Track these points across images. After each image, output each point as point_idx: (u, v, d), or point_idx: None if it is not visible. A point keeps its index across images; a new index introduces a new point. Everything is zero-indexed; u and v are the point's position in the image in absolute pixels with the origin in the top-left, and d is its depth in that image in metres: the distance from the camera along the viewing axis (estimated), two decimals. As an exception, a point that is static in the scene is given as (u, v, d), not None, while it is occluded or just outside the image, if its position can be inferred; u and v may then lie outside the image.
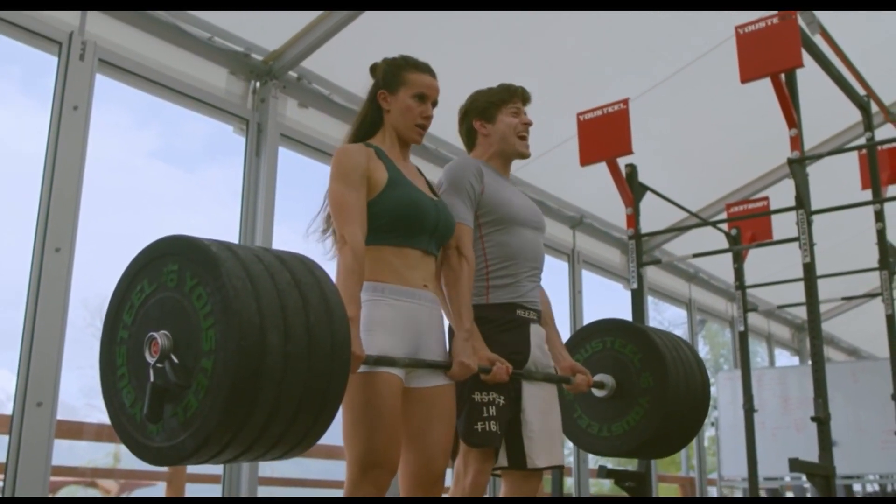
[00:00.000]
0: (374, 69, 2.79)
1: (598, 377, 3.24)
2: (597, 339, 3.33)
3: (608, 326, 3.33)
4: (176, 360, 1.87)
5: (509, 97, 3.08)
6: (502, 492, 2.97)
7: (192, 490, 5.65)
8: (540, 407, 2.89)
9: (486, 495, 5.26)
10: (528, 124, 3.08)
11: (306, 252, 2.16)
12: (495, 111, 3.07)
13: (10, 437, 3.52)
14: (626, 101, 4.76)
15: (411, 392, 2.60)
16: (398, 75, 2.73)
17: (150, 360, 1.90)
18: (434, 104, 2.78)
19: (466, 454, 2.82)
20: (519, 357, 2.84)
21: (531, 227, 3.03)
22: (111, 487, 6.09)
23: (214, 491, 4.74)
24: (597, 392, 3.22)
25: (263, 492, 4.53)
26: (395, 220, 2.60)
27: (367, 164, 2.60)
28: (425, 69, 2.78)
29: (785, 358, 11.33)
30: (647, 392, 3.16)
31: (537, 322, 2.98)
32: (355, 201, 2.54)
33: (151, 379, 1.89)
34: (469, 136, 3.14)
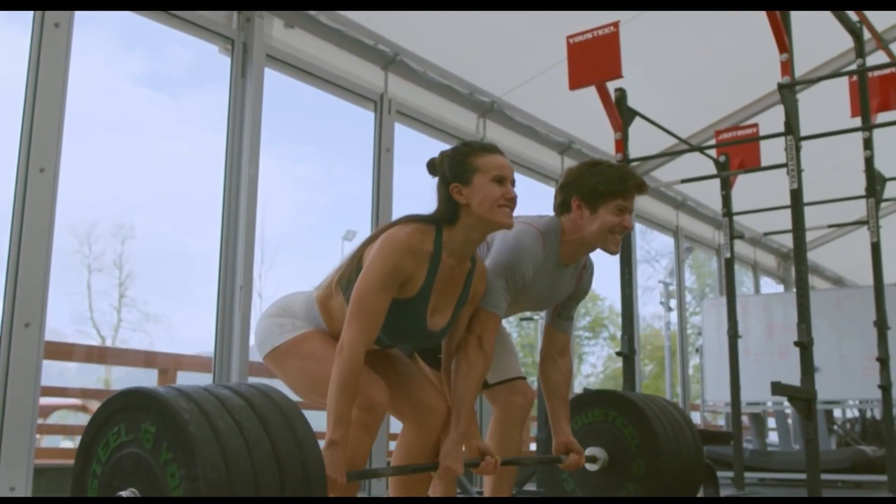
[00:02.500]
0: (432, 165, 2.59)
1: (591, 450, 3.25)
2: (600, 408, 3.32)
3: (614, 400, 3.32)
4: None
5: (620, 192, 2.81)
6: (494, 414, 3.01)
7: (182, 377, 5.79)
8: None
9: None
10: (628, 228, 2.84)
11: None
12: (599, 202, 2.81)
13: (-2, 357, 3.54)
14: (616, 24, 4.69)
15: None
16: (466, 164, 2.53)
17: None
18: (513, 183, 2.57)
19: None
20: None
21: (523, 310, 3.02)
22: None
23: (206, 379, 4.80)
24: (588, 465, 3.23)
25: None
26: (382, 329, 2.51)
27: (413, 269, 2.46)
28: (493, 149, 2.59)
29: (770, 286, 11.43)
30: (636, 480, 3.17)
31: None
32: (377, 306, 2.41)
33: None
34: (563, 207, 2.90)
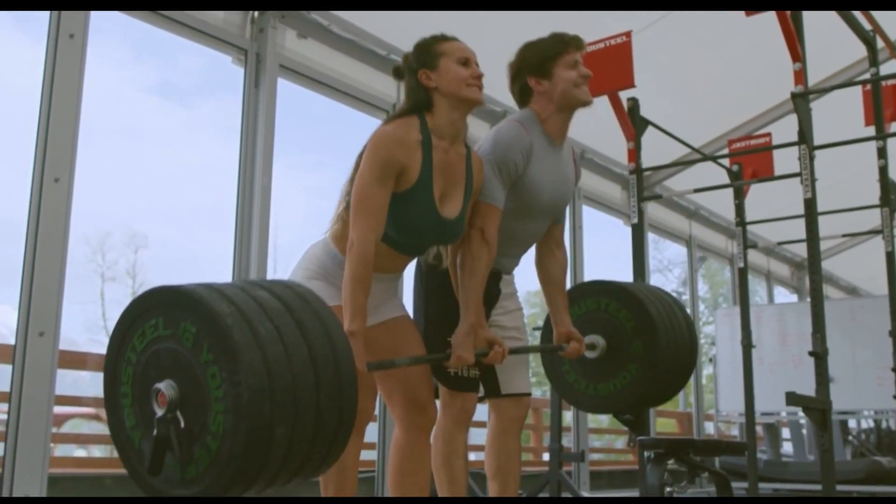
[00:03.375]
0: (398, 70, 2.75)
1: (590, 338, 3.28)
2: (592, 298, 3.35)
3: (605, 288, 3.35)
4: (182, 424, 1.88)
5: (564, 48, 2.93)
6: (491, 421, 3.04)
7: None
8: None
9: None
10: (587, 76, 2.92)
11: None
12: (551, 65, 2.91)
13: (13, 366, 3.55)
14: (628, 34, 4.69)
15: (369, 330, 2.63)
16: (432, 50, 2.68)
17: (158, 411, 1.91)
18: (477, 65, 2.69)
19: None
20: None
21: (545, 215, 3.00)
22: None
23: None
24: (587, 353, 3.27)
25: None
26: (393, 229, 2.57)
27: (405, 158, 2.53)
28: (454, 38, 2.74)
29: (784, 296, 11.38)
30: (636, 359, 3.21)
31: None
32: (378, 200, 2.48)
33: (155, 431, 1.91)
34: (523, 94, 2.99)
